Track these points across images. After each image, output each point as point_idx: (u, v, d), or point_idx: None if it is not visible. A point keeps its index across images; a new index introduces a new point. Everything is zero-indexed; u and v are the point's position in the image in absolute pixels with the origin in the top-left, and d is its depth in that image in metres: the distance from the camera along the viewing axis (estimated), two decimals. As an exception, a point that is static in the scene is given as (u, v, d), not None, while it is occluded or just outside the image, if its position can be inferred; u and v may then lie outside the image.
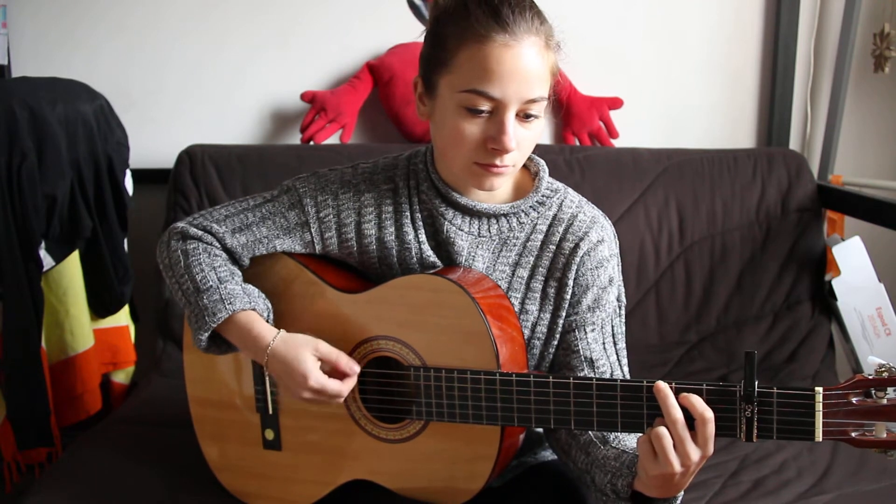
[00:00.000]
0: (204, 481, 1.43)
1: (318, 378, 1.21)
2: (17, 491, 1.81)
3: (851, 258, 2.14)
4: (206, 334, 1.26)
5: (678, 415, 1.05)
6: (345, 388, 1.23)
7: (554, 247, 1.28)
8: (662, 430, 1.05)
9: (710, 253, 2.22)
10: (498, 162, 1.18)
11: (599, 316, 1.29)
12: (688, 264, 2.22)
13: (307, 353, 1.23)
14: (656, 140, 2.41)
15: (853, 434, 1.03)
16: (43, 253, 1.81)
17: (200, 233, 1.32)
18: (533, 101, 1.16)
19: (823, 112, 2.45)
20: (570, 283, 1.27)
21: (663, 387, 1.07)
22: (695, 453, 1.05)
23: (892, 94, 2.49)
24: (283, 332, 1.26)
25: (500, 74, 1.14)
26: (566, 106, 2.36)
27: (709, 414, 1.05)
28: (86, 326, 1.96)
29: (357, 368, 1.24)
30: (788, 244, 2.22)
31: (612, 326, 1.31)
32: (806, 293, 2.21)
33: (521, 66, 1.14)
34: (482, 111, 1.16)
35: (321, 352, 1.24)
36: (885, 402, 1.02)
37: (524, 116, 1.17)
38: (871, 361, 1.06)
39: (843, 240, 2.21)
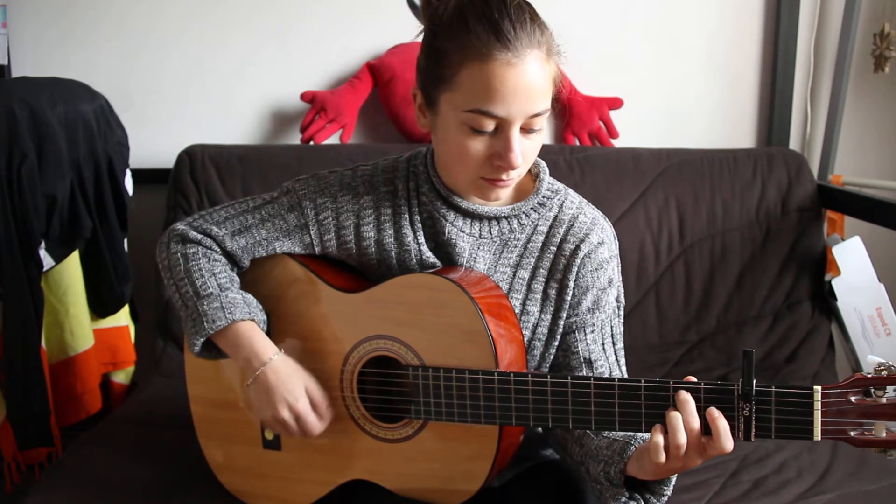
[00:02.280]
0: (204, 481, 1.44)
1: (305, 405, 1.25)
2: (17, 491, 1.80)
3: (851, 258, 2.14)
4: (202, 340, 1.27)
5: (696, 424, 1.06)
6: (319, 428, 1.27)
7: (555, 248, 1.29)
8: (682, 436, 1.06)
9: (710, 253, 2.22)
10: (504, 177, 1.19)
11: (599, 317, 1.29)
12: (688, 264, 2.21)
13: (301, 381, 1.27)
14: (656, 140, 2.41)
15: (852, 433, 1.03)
16: (43, 253, 1.81)
17: (200, 236, 1.32)
18: (537, 115, 1.16)
19: (823, 112, 2.45)
20: (571, 284, 1.27)
21: (687, 397, 1.07)
22: (699, 459, 1.07)
23: (892, 94, 2.49)
24: (282, 351, 1.28)
25: (504, 94, 1.13)
26: (566, 106, 2.36)
27: (729, 445, 1.05)
28: (86, 326, 1.96)
29: (329, 417, 1.28)
30: (788, 244, 2.22)
31: (612, 327, 1.31)
32: (806, 293, 2.21)
33: (525, 83, 1.13)
34: (487, 130, 1.16)
35: (310, 388, 1.27)
36: (884, 401, 1.02)
37: (528, 130, 1.17)
38: (870, 360, 1.05)
39: (843, 240, 2.21)
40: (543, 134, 1.21)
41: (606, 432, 1.22)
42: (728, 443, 1.05)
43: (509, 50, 1.12)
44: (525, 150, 1.18)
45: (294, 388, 1.25)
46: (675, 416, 1.06)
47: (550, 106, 1.19)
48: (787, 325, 2.19)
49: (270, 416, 1.26)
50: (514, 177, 1.20)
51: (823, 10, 2.43)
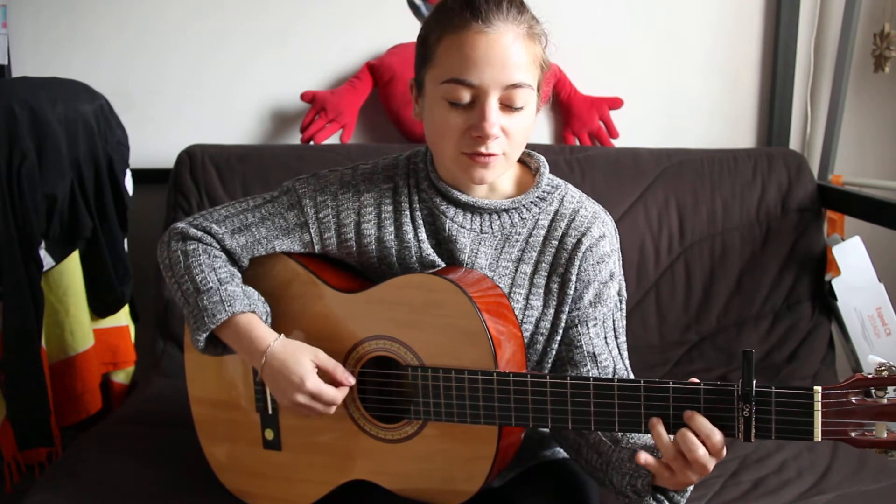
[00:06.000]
0: (204, 481, 1.44)
1: (315, 382, 1.22)
2: (17, 491, 1.80)
3: (851, 258, 2.14)
4: (205, 335, 1.27)
5: (717, 438, 1.07)
6: (339, 396, 1.24)
7: (556, 242, 1.29)
8: (679, 460, 1.08)
9: (710, 253, 2.22)
10: (483, 150, 1.19)
11: (601, 311, 1.29)
12: (688, 264, 2.21)
13: (306, 358, 1.24)
14: (656, 140, 2.41)
15: (853, 434, 1.03)
16: (43, 253, 1.81)
17: (200, 234, 1.32)
18: (514, 86, 1.17)
19: (823, 112, 2.45)
20: (573, 278, 1.28)
21: (688, 434, 1.08)
22: (711, 464, 1.08)
23: (892, 94, 2.49)
24: (282, 336, 1.27)
25: (476, 60, 1.15)
26: (566, 106, 2.36)
27: (716, 437, 1.07)
28: (86, 326, 1.96)
29: (352, 380, 1.25)
30: (788, 244, 2.22)
31: (614, 321, 1.31)
32: (806, 293, 2.21)
33: (498, 51, 1.15)
34: (464, 102, 1.17)
35: (320, 359, 1.25)
36: (885, 401, 1.02)
37: (509, 107, 1.18)
38: (870, 360, 1.05)
39: (843, 240, 2.21)
40: (529, 117, 1.21)
41: (625, 442, 1.22)
42: (716, 435, 1.07)
43: (481, 21, 1.15)
44: (507, 128, 1.19)
45: (298, 368, 1.23)
46: (687, 434, 1.08)
47: (536, 87, 1.20)
48: (787, 325, 2.19)
49: (289, 404, 1.25)
50: (495, 151, 1.19)
51: (823, 10, 2.43)
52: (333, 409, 1.24)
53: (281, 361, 1.23)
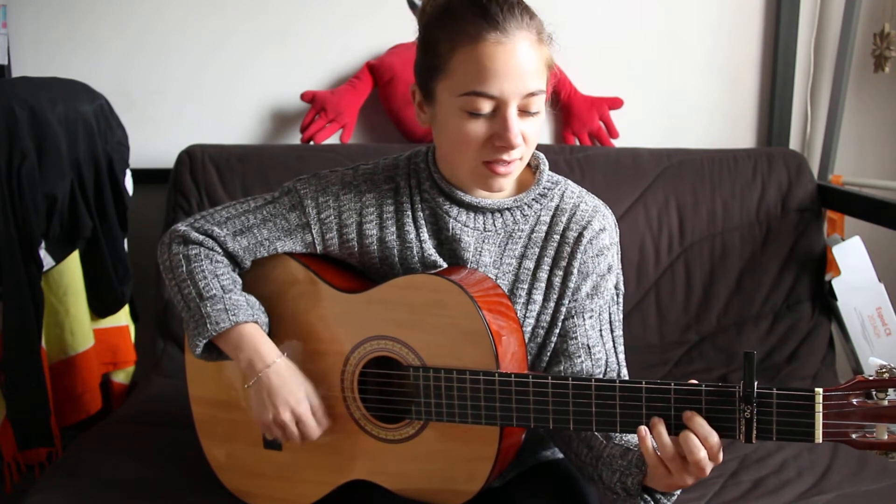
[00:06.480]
0: (204, 481, 1.44)
1: (307, 409, 1.26)
2: (17, 491, 1.80)
3: (851, 258, 2.14)
4: (204, 341, 1.27)
5: (714, 440, 1.07)
6: (317, 432, 1.28)
7: (558, 236, 1.29)
8: (678, 461, 1.08)
9: (710, 253, 2.22)
10: (506, 157, 1.19)
11: (597, 303, 1.30)
12: (688, 264, 2.22)
13: (303, 387, 1.28)
14: (656, 140, 2.41)
15: (853, 436, 1.03)
16: (43, 253, 1.81)
17: (202, 237, 1.32)
18: (532, 94, 1.17)
19: (823, 112, 2.45)
20: (575, 271, 1.28)
21: (691, 436, 1.08)
22: (709, 468, 1.08)
23: (892, 94, 2.49)
24: (286, 355, 1.29)
25: (496, 72, 1.14)
26: (566, 106, 2.36)
27: (714, 439, 1.07)
28: (86, 326, 1.96)
29: (326, 425, 1.28)
30: (788, 244, 2.22)
31: (610, 314, 1.32)
32: (806, 293, 2.21)
33: (516, 61, 1.14)
34: (484, 112, 1.16)
35: (309, 393, 1.28)
36: (885, 403, 1.02)
37: (525, 112, 1.18)
38: (871, 362, 1.06)
39: (843, 240, 2.21)
40: (542, 117, 1.22)
41: (618, 439, 1.22)
42: (713, 437, 1.07)
43: (498, 30, 1.14)
44: (524, 132, 1.19)
45: (296, 391, 1.26)
46: (690, 436, 1.08)
47: (546, 88, 1.20)
48: (787, 325, 2.19)
49: (271, 418, 1.26)
50: (516, 157, 1.20)
51: (823, 10, 2.43)
52: (303, 439, 1.27)
53: (282, 378, 1.26)
